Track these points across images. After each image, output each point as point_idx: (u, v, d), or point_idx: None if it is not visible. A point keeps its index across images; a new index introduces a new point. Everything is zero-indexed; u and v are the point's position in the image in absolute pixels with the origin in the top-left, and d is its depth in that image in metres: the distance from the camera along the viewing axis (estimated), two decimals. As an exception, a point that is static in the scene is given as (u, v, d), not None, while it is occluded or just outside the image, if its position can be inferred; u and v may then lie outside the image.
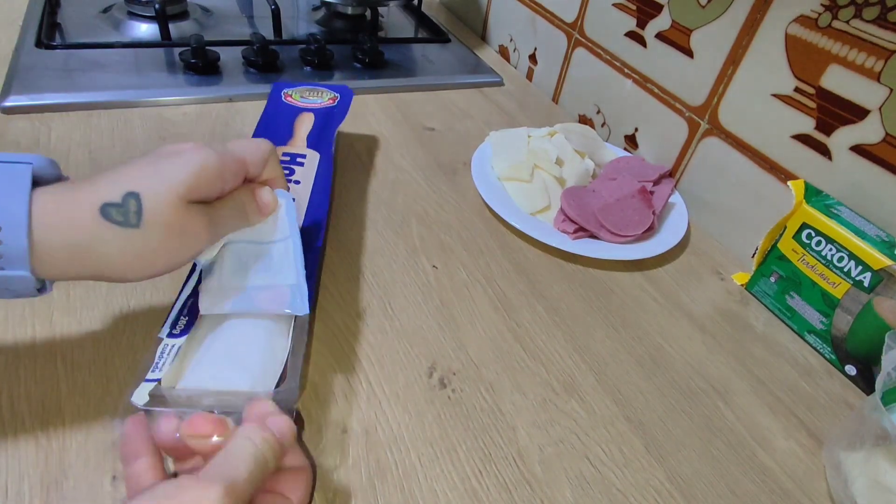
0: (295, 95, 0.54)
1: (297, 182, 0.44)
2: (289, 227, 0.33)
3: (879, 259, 0.40)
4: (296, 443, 0.27)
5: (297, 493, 0.26)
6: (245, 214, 0.31)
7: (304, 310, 0.31)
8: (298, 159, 0.46)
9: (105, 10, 0.75)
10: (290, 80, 0.66)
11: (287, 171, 0.44)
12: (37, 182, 0.25)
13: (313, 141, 0.48)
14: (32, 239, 0.24)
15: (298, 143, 0.48)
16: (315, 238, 0.40)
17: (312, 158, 0.46)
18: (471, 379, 0.38)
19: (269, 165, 0.32)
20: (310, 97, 0.54)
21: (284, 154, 0.46)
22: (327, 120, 0.51)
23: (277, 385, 0.31)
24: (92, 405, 0.32)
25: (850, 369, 0.44)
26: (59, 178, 0.27)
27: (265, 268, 0.32)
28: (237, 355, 0.31)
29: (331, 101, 0.54)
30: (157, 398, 0.28)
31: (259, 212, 0.32)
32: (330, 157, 0.47)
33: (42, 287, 0.27)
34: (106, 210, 0.25)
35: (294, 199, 0.34)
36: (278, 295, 0.32)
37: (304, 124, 0.50)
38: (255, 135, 0.48)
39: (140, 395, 0.28)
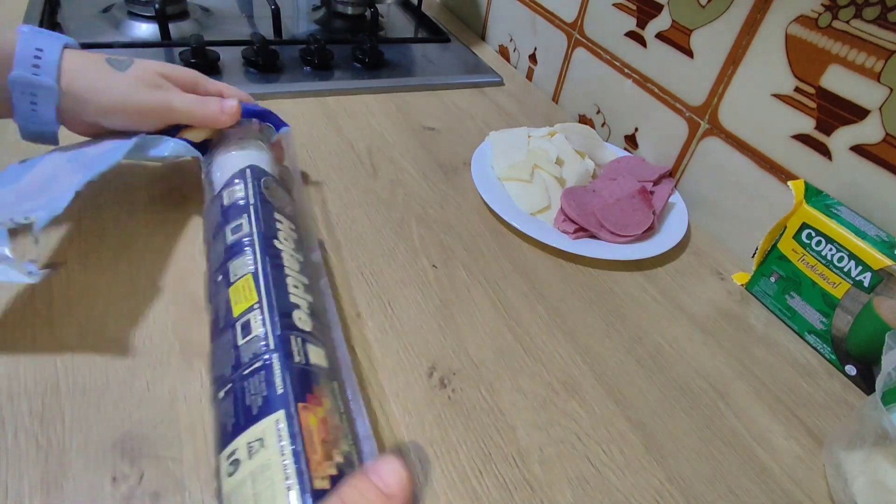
0: None
1: None
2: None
3: (879, 259, 0.40)
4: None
5: None
6: (205, 104, 0.43)
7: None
8: None
9: (105, 10, 0.75)
10: (289, 79, 0.66)
11: None
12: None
13: None
14: (62, 62, 0.39)
15: None
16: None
17: None
18: (471, 379, 0.38)
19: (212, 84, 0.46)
20: None
21: None
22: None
23: None
24: (92, 405, 0.32)
25: (850, 369, 0.44)
26: None
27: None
28: None
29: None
30: None
31: (221, 110, 0.43)
32: None
33: (54, 136, 0.41)
34: (109, 60, 0.41)
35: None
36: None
37: None
38: None
39: None
